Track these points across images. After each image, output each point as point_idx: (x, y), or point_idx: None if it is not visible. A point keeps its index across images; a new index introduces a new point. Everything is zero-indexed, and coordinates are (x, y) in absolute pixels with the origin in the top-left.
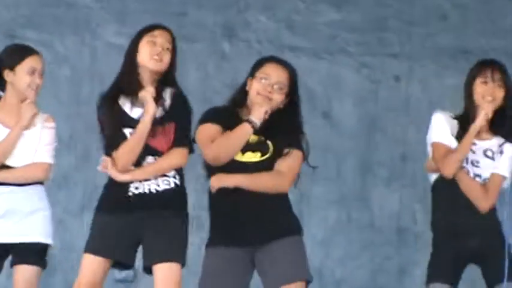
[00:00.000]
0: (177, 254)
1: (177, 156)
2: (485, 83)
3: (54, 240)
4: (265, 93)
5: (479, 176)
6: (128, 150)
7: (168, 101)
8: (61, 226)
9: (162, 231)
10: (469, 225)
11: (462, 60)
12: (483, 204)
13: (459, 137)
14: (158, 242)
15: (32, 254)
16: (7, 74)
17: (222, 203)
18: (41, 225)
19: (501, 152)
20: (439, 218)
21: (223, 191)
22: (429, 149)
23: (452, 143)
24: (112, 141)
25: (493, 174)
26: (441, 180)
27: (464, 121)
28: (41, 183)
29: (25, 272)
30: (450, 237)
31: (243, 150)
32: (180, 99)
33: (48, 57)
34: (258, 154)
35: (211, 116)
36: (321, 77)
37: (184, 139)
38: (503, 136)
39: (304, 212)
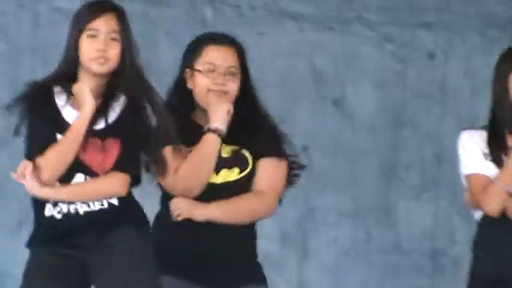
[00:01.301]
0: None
1: (116, 183)
2: None
3: None
4: (218, 88)
5: None
6: (58, 156)
7: (116, 109)
8: None
9: (110, 261)
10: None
11: None
12: None
13: (495, 155)
14: (111, 278)
15: None
16: None
17: (182, 229)
18: None
19: None
20: (484, 264)
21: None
22: (464, 182)
23: (490, 169)
24: (39, 144)
25: None
26: (489, 217)
27: (496, 131)
28: None
29: None
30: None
31: (217, 168)
32: (134, 109)
33: None
34: (236, 170)
35: None
36: (332, 54)
37: (129, 163)
38: None
39: (310, 231)
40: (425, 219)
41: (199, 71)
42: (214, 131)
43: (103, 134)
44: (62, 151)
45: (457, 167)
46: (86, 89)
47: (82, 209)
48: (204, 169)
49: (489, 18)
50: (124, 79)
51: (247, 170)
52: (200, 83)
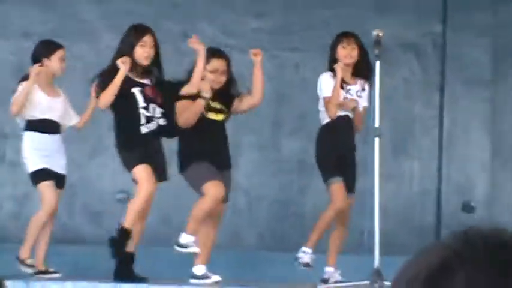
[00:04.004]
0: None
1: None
2: (344, 48)
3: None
4: (217, 80)
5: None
6: (108, 91)
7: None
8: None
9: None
10: (344, 145)
11: None
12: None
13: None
14: (162, 163)
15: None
16: (45, 61)
17: (206, 136)
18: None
19: (363, 90)
20: (329, 141)
21: (204, 131)
22: (322, 101)
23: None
24: (106, 85)
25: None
26: (327, 123)
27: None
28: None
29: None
30: (334, 150)
31: (212, 111)
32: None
33: (68, 56)
34: (220, 115)
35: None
36: (247, 65)
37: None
38: (364, 78)
39: (237, 155)
40: (296, 146)
41: (208, 70)
42: (203, 98)
43: (151, 85)
44: (109, 89)
45: (312, 121)
46: (122, 66)
47: (156, 124)
48: (193, 116)
49: (325, 47)
50: (155, 67)
51: (225, 115)
52: (207, 77)
